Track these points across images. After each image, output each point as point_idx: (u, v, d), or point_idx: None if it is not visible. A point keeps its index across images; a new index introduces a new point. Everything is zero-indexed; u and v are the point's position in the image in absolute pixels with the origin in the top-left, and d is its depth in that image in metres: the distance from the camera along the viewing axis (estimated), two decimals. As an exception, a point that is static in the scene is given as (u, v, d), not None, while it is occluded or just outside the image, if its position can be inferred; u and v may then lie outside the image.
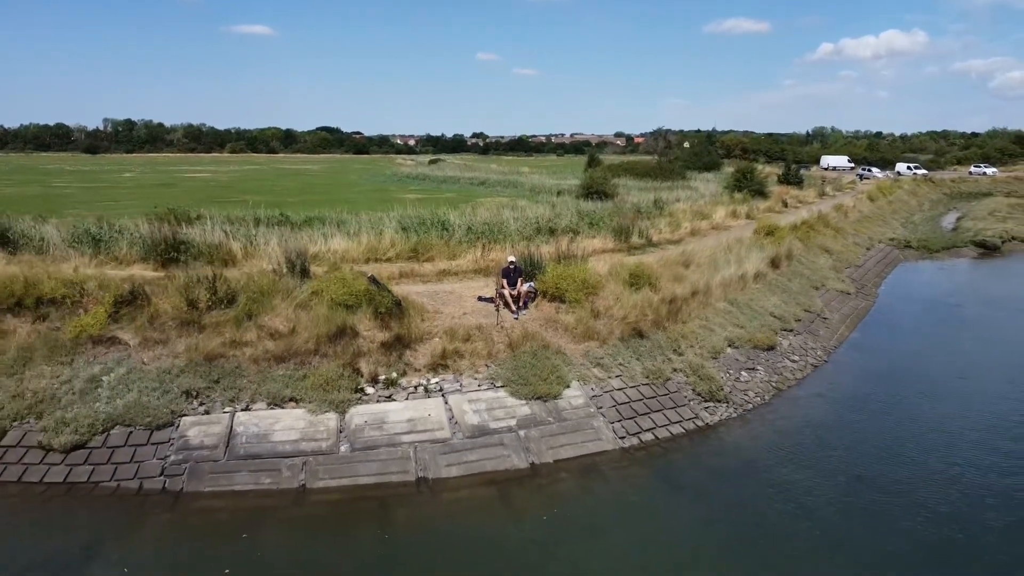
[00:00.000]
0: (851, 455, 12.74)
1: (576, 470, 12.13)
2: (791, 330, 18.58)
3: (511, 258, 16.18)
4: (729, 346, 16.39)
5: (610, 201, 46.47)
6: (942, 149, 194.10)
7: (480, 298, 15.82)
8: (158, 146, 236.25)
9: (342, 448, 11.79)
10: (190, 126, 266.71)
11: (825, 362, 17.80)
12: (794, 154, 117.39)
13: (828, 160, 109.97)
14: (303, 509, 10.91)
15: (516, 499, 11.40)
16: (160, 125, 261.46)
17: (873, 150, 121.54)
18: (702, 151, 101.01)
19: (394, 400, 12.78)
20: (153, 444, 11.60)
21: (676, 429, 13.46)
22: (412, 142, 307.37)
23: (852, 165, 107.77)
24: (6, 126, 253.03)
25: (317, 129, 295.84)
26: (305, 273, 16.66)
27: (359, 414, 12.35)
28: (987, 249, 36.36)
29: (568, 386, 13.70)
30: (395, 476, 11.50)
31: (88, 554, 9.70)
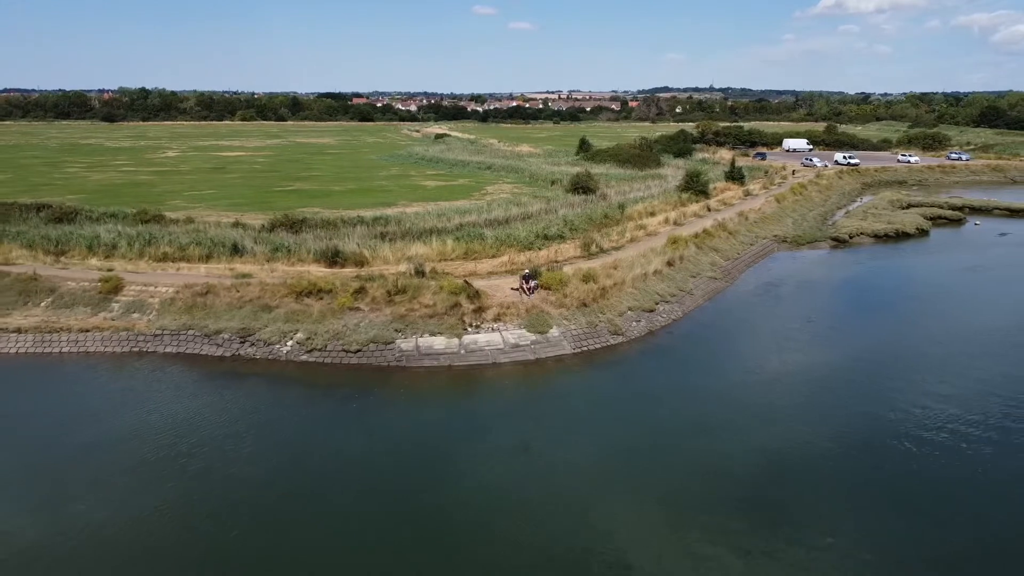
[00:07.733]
0: (677, 358, 30.76)
1: (554, 360, 30.07)
2: (667, 301, 36.36)
3: (526, 270, 33.89)
4: (629, 310, 34.19)
5: (593, 195, 64.29)
6: (920, 116, 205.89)
7: (512, 288, 33.58)
8: (172, 114, 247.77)
9: (462, 352, 29.66)
10: (201, 94, 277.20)
11: (681, 318, 35.66)
12: (761, 136, 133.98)
13: (789, 143, 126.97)
14: (450, 372, 28.86)
15: (530, 370, 29.33)
16: (173, 93, 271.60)
17: (831, 132, 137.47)
18: (677, 136, 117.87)
19: (480, 334, 30.59)
20: (389, 350, 29.46)
21: (598, 345, 31.37)
22: (413, 107, 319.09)
23: (811, 147, 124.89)
24: (22, 88, 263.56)
25: (322, 95, 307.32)
26: (423, 274, 34.35)
27: (467, 339, 30.19)
28: (838, 242, 53.86)
29: (551, 328, 31.48)
30: (483, 362, 29.40)
31: (373, 387, 27.64)
